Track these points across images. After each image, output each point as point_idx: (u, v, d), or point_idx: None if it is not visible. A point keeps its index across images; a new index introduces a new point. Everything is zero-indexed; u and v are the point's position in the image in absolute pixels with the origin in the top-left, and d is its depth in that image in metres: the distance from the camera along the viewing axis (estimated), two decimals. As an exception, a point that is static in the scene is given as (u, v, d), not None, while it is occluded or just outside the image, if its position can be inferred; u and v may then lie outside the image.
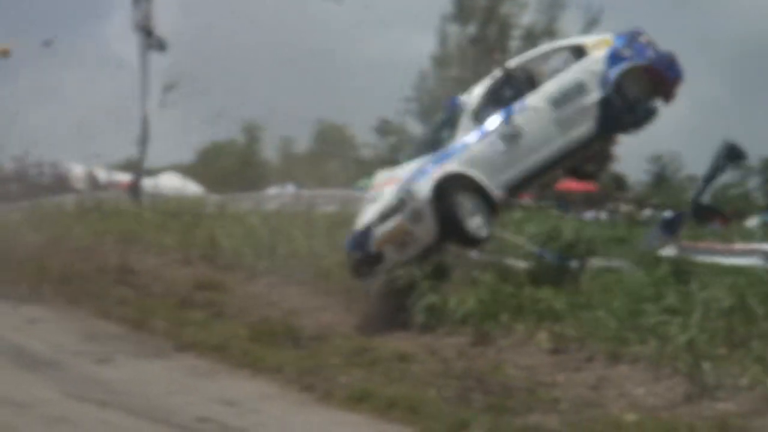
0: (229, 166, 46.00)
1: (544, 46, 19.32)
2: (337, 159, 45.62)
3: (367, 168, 37.37)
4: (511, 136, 15.24)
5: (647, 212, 32.49)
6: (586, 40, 17.13)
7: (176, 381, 12.28)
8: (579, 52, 16.24)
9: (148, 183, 34.36)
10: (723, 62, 74.56)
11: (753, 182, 59.67)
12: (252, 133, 50.12)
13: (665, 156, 60.51)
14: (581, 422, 9.93)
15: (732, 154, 16.69)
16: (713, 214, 28.26)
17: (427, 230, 14.65)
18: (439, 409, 10.55)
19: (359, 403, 11.01)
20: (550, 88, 15.76)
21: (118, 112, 34.92)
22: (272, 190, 33.77)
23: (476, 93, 16.04)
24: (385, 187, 15.58)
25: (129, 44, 34.55)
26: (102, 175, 40.74)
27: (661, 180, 60.05)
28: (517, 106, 15.51)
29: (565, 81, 15.84)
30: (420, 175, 14.95)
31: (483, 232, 14.93)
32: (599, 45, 16.23)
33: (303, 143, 50.50)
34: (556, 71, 16.23)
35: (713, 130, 56.29)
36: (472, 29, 41.01)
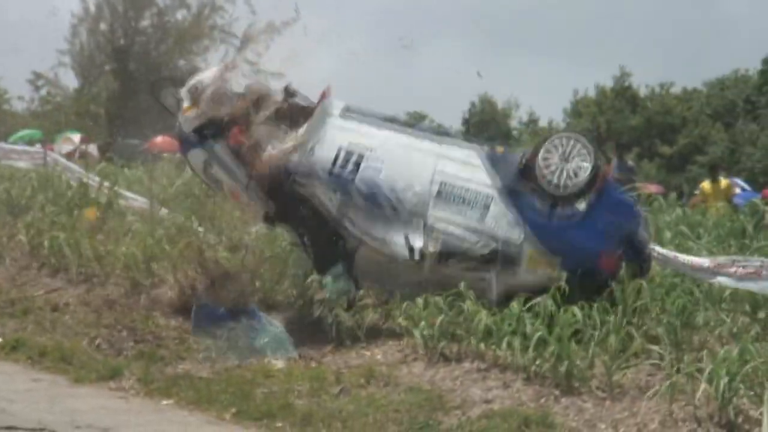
0: None
1: None
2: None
3: (20, 121, 36.55)
4: None
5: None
6: None
7: None
8: None
9: None
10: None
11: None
12: None
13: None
14: (231, 370, 10.28)
15: None
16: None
17: None
18: (91, 357, 10.73)
19: (12, 352, 11.07)
20: None
21: None
22: None
23: None
24: None
25: None
26: None
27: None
28: None
29: None
30: None
31: None
32: None
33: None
34: None
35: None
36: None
